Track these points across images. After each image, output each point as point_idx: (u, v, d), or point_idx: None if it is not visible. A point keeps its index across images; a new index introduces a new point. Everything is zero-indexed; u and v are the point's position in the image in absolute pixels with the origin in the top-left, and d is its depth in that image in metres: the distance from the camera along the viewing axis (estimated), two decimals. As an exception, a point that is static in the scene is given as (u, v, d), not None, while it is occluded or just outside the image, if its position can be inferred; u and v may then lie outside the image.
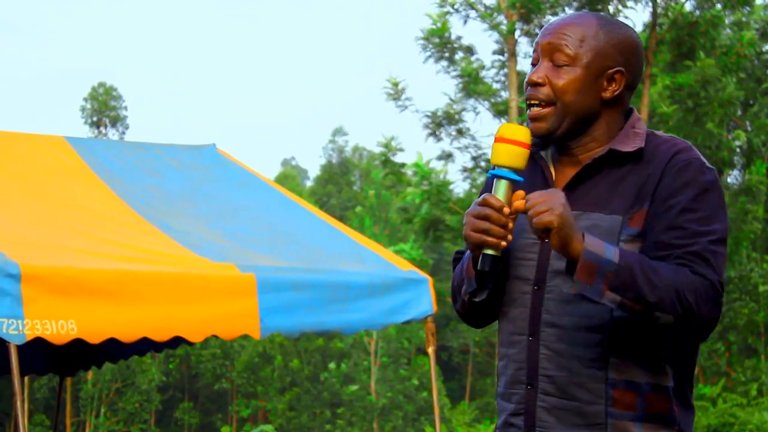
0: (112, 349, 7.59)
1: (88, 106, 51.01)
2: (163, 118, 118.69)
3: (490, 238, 2.51)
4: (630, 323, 2.52)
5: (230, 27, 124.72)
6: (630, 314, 2.47)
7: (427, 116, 18.50)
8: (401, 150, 18.52)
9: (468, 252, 2.65)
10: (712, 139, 19.17)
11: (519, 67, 18.05)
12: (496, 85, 18.88)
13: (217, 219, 6.85)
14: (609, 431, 2.53)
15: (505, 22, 17.58)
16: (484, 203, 2.52)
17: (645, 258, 2.47)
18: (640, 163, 2.56)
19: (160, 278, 5.79)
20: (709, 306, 2.46)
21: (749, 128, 23.06)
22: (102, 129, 50.64)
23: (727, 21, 19.09)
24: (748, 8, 19.51)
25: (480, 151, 18.84)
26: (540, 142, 2.66)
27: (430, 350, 6.68)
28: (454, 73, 18.26)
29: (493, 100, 18.50)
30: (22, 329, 5.33)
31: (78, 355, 7.88)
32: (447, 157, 19.00)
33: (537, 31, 17.62)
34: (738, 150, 22.59)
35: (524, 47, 18.18)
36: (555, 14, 17.44)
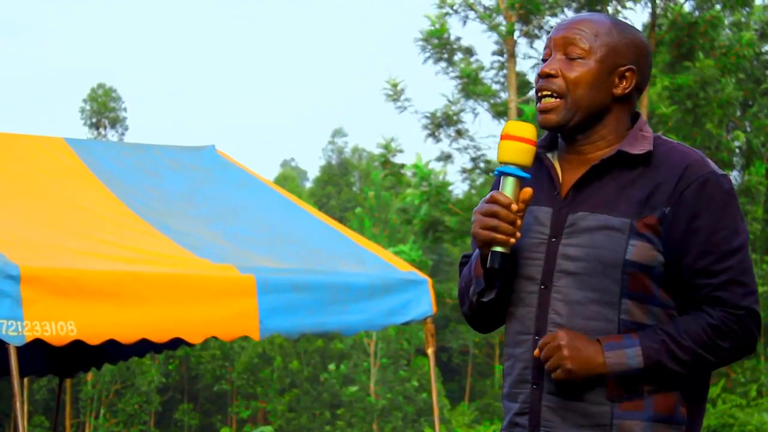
0: (112, 351, 7.60)
1: (88, 107, 51.00)
2: (163, 120, 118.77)
3: (499, 235, 2.52)
4: (637, 327, 2.52)
5: (229, 28, 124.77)
6: None
7: (427, 117, 18.47)
8: (401, 151, 18.46)
9: (476, 252, 2.65)
10: (712, 139, 19.14)
11: (518, 68, 18.04)
12: (495, 86, 18.86)
13: (217, 220, 6.84)
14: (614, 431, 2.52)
15: (504, 23, 17.56)
16: (492, 200, 2.53)
17: (667, 336, 2.50)
18: (649, 168, 2.56)
19: (159, 279, 5.78)
20: (745, 338, 2.53)
21: (748, 129, 23.02)
22: (101, 130, 50.63)
23: (726, 22, 19.05)
24: (747, 9, 19.48)
25: (479, 152, 18.81)
26: (546, 143, 2.67)
27: (430, 351, 6.67)
28: (453, 74, 18.24)
29: (492, 101, 18.48)
30: (21, 330, 5.32)
31: (77, 357, 7.89)
32: (446, 158, 18.97)
33: (536, 32, 17.64)
34: (737, 151, 22.56)
35: (523, 48, 18.24)
36: (554, 15, 17.43)
